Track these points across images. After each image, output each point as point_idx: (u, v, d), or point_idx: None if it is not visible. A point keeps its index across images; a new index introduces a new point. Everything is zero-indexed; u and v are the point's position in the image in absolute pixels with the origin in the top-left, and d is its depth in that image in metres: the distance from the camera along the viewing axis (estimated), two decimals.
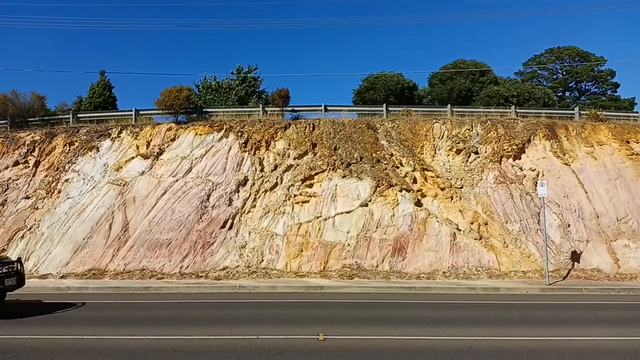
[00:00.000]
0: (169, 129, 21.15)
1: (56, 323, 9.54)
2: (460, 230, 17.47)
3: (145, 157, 20.11)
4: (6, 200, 19.34)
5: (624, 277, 16.14)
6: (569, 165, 19.58)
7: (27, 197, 19.37)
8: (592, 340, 8.17)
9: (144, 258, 16.83)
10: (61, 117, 23.92)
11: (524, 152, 20.12)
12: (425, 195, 18.68)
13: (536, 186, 17.69)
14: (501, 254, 16.95)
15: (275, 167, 19.55)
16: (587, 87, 42.21)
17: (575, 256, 16.88)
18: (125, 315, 10.65)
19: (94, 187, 19.17)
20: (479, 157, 19.99)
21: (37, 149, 21.02)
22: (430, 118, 21.83)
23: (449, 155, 20.26)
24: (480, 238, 17.30)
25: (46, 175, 20.08)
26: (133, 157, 20.22)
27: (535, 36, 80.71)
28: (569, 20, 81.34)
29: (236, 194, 18.76)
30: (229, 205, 18.32)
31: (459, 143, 20.34)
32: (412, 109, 23.17)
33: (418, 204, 18.19)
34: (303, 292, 13.91)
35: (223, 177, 19.18)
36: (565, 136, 20.59)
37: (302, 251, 17.01)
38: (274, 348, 7.47)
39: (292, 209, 18.20)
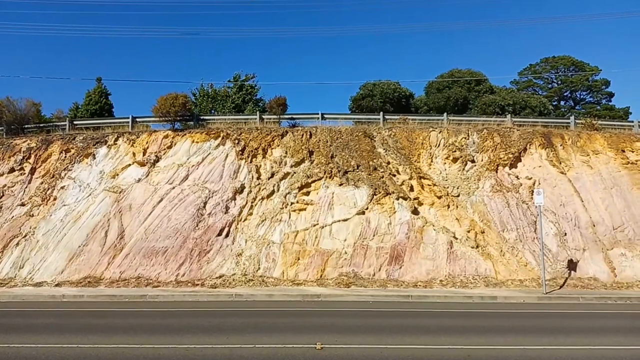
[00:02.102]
0: (166, 137, 21.14)
1: (51, 331, 9.45)
2: (457, 238, 17.49)
3: (141, 164, 20.07)
4: (1, 207, 19.25)
5: (621, 286, 16.18)
6: (565, 173, 19.66)
7: (23, 204, 19.27)
8: (590, 349, 8.16)
9: (139, 266, 16.73)
10: (57, 124, 23.94)
11: (520, 161, 20.22)
12: (422, 204, 18.70)
13: (532, 195, 17.77)
14: (498, 262, 16.95)
15: (272, 175, 19.54)
16: (582, 97, 42.50)
17: (572, 265, 16.90)
18: (121, 323, 10.56)
19: (89, 195, 19.11)
20: (475, 165, 20.06)
21: (32, 156, 20.96)
22: (426, 126, 21.92)
23: (445, 163, 20.32)
24: (477, 246, 17.31)
25: (42, 182, 20.01)
26: (129, 165, 20.19)
27: (531, 46, 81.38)
28: (564, 30, 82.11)
29: (233, 201, 18.72)
30: (225, 213, 18.27)
31: (455, 151, 20.41)
32: (408, 117, 23.27)
33: (415, 212, 18.21)
34: (300, 301, 13.85)
35: (220, 185, 19.16)
36: (561, 145, 20.69)
37: (298, 259, 16.96)
38: (271, 357, 7.43)
39: (289, 217, 18.18)
